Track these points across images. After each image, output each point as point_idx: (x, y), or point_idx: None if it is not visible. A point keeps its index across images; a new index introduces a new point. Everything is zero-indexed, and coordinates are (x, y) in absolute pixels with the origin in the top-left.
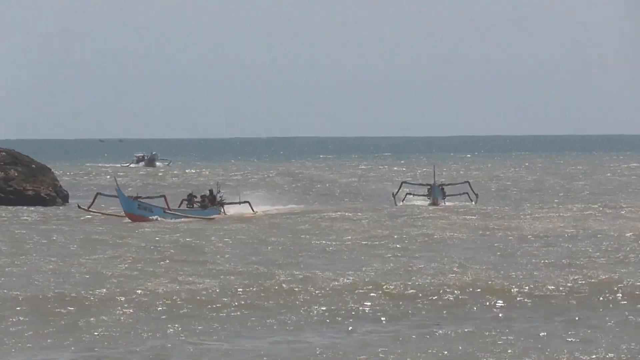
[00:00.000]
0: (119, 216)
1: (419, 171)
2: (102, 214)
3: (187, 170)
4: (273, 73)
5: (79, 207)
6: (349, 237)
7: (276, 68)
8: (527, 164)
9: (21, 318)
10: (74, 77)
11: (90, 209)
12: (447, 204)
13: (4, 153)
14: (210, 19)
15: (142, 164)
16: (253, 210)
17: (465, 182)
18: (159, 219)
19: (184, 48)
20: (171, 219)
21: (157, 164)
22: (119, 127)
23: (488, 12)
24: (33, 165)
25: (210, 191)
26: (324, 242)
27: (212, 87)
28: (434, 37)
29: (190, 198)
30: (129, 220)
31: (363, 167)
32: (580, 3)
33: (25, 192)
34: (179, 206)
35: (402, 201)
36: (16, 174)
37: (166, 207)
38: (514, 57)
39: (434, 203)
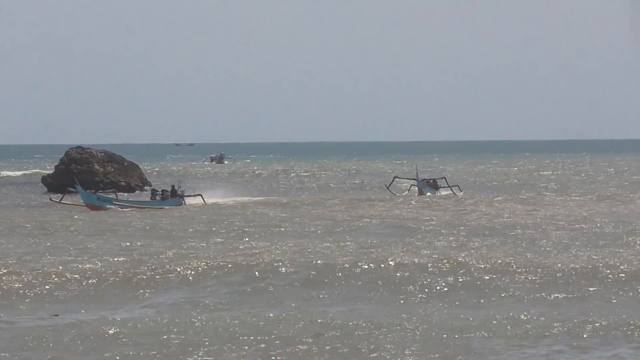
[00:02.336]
0: (80, 205)
1: (405, 169)
2: (71, 204)
3: (251, 166)
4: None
5: (51, 199)
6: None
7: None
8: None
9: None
10: (154, 89)
11: (61, 201)
12: (441, 193)
13: (102, 153)
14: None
15: (214, 161)
16: (204, 201)
17: (442, 177)
18: (114, 208)
19: (252, 65)
20: (122, 208)
21: (225, 161)
22: (191, 132)
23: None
24: (125, 163)
25: (172, 186)
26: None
27: (275, 97)
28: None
29: (153, 192)
30: (88, 209)
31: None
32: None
33: (119, 183)
34: (150, 199)
35: (409, 190)
36: (112, 169)
37: (115, 198)
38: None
39: (420, 193)
